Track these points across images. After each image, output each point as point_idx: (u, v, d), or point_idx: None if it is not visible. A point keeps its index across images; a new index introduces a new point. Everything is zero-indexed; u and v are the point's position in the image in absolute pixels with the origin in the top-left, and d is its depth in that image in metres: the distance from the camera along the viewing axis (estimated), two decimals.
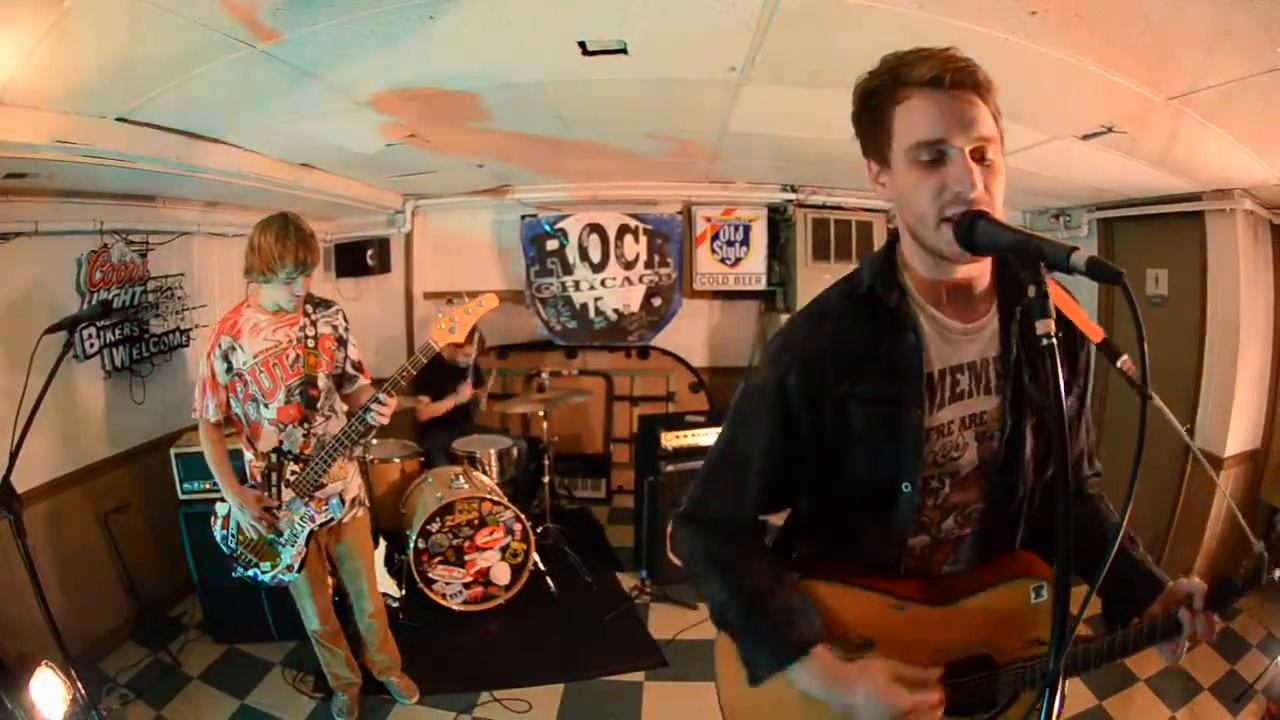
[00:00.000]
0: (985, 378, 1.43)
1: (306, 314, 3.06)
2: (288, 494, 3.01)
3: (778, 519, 1.74)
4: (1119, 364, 1.09)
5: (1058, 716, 1.07)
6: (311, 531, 3.05)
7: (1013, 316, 1.41)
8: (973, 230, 1.19)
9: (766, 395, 1.46)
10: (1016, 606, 1.43)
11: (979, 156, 1.25)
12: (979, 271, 1.39)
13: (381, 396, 2.90)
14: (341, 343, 3.16)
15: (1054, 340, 1.03)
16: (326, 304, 3.17)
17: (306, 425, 3.02)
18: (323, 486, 3.05)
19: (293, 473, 3.00)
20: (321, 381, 3.06)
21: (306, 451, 3.02)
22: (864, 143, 1.39)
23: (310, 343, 3.03)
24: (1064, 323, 1.06)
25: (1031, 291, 1.06)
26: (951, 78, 1.23)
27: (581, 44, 2.47)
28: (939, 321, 1.42)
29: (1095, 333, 1.21)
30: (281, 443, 3.01)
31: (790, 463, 1.48)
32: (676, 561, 4.77)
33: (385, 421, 2.94)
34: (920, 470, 1.42)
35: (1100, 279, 1.02)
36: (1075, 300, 1.33)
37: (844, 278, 1.52)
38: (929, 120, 1.25)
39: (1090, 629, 1.44)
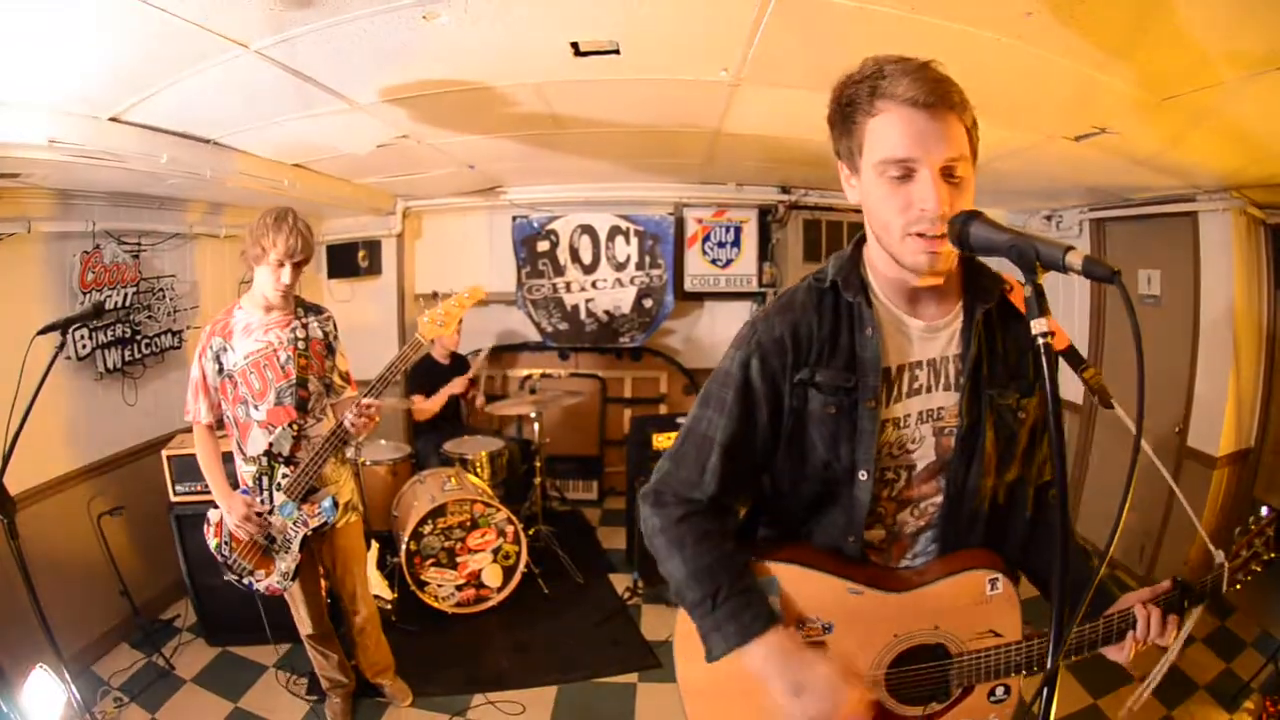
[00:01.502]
0: (944, 375, 1.47)
1: (298, 316, 3.05)
2: (279, 498, 3.00)
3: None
4: (1082, 373, 1.10)
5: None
6: (306, 537, 3.04)
7: (976, 316, 1.44)
8: (967, 231, 1.20)
9: (732, 377, 1.51)
10: (971, 598, 1.47)
11: (947, 174, 1.26)
12: (941, 279, 1.40)
13: (357, 411, 2.89)
14: (330, 350, 3.15)
15: (1049, 340, 1.04)
16: (318, 309, 3.17)
17: (297, 428, 3.01)
18: (315, 490, 3.03)
19: (284, 476, 2.98)
20: (312, 384, 3.05)
21: (298, 454, 3.01)
22: (836, 146, 1.42)
23: (301, 344, 3.02)
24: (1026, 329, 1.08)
25: (1028, 291, 1.07)
26: (926, 97, 1.24)
27: (574, 44, 2.47)
28: (898, 319, 1.47)
29: (1060, 338, 1.21)
30: (271, 445, 2.99)
31: (751, 442, 1.52)
32: None
33: (368, 427, 2.94)
34: (875, 460, 1.46)
35: (1096, 278, 1.02)
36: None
37: (812, 272, 1.57)
38: (899, 138, 1.27)
39: (1034, 629, 1.47)
